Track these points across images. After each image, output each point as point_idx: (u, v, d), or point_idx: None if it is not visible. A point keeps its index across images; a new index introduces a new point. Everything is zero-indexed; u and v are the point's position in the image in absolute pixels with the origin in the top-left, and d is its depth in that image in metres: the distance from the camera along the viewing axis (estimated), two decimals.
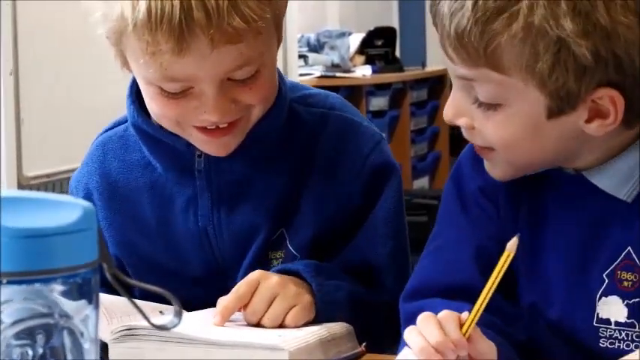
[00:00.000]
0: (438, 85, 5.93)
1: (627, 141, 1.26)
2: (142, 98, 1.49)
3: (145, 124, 1.51)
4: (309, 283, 1.43)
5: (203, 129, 1.45)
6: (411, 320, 1.28)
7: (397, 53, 5.68)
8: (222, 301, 1.39)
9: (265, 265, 1.51)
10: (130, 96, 1.52)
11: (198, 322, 1.37)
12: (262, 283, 1.40)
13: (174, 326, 0.87)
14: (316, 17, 5.66)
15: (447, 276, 1.33)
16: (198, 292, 1.53)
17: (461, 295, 1.30)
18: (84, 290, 0.84)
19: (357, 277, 1.51)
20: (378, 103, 5.30)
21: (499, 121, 1.23)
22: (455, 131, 6.01)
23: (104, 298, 0.95)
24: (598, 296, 1.27)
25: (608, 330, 1.27)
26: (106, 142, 1.61)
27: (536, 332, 1.33)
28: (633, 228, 1.26)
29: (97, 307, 0.85)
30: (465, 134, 1.29)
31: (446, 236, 1.38)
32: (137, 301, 0.96)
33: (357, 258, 1.52)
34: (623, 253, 1.26)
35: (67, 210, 0.83)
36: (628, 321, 1.26)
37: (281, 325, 1.38)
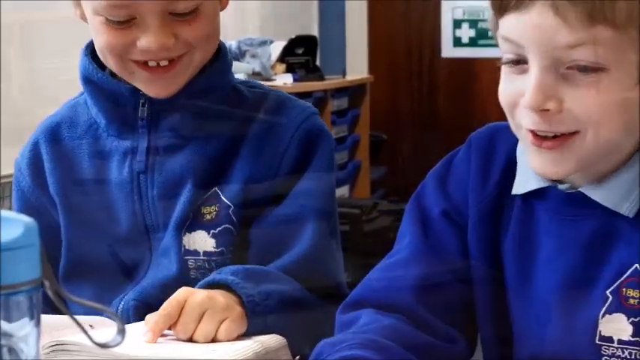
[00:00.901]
0: (358, 93, 5.94)
1: (626, 156, 1.24)
2: (96, 56, 1.62)
3: (94, 72, 1.63)
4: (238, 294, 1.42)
5: (145, 66, 1.57)
6: (345, 329, 1.28)
7: (318, 62, 5.68)
8: (151, 319, 1.38)
9: (199, 220, 1.59)
10: (85, 50, 1.66)
11: (131, 338, 1.34)
12: (189, 300, 1.39)
13: (118, 344, 0.85)
14: (237, 25, 5.64)
15: (386, 293, 1.32)
16: (125, 253, 1.62)
17: (394, 312, 1.30)
18: (26, 308, 0.82)
19: (286, 231, 1.59)
20: None
21: (601, 88, 1.17)
22: (375, 139, 6.05)
23: None
24: (601, 314, 1.23)
25: (611, 348, 1.23)
26: (58, 112, 1.74)
27: (528, 354, 1.30)
28: (637, 244, 1.22)
29: (38, 324, 0.83)
30: (545, 125, 1.21)
31: (400, 255, 1.37)
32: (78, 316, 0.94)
33: (288, 213, 1.60)
34: (630, 270, 1.23)
35: (9, 226, 0.81)
36: (632, 339, 1.22)
37: (214, 340, 1.37)
